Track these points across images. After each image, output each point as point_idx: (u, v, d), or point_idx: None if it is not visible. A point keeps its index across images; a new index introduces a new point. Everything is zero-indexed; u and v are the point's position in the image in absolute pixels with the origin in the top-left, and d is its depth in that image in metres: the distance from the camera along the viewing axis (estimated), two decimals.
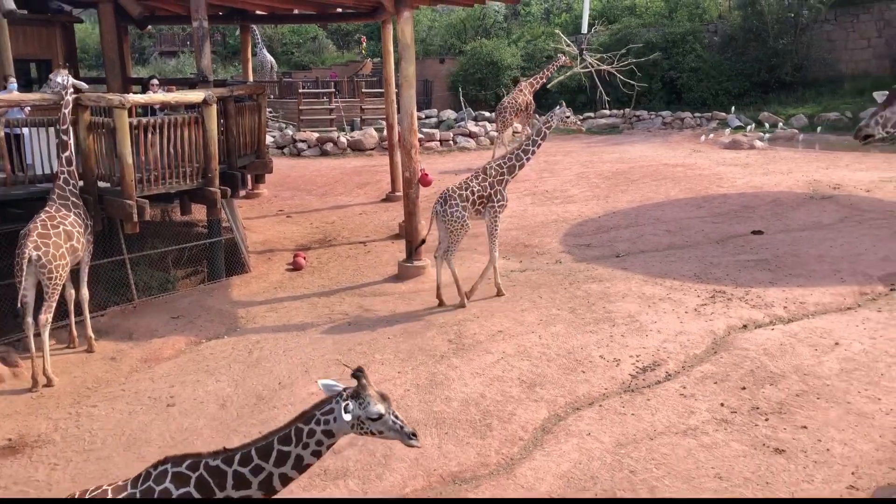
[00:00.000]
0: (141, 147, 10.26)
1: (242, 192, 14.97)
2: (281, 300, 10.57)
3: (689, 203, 13.98)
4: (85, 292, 9.26)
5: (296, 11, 17.02)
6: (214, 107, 10.94)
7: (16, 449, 7.01)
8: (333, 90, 26.51)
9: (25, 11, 12.73)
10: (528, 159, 9.83)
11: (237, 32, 25.55)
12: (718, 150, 19.92)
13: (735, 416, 6.57)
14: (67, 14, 15.26)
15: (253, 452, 3.77)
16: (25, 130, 10.35)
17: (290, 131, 23.38)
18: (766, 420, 6.48)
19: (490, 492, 5.83)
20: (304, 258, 12.26)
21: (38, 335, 8.37)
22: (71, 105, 9.53)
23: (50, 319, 8.34)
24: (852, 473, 5.68)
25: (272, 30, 35.60)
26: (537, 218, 13.97)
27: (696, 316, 8.66)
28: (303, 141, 22.64)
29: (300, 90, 26.00)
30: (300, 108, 24.80)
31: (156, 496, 3.71)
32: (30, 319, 8.37)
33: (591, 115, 26.04)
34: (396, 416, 3.86)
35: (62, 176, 9.06)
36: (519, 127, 20.05)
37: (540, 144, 9.80)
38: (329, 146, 22.48)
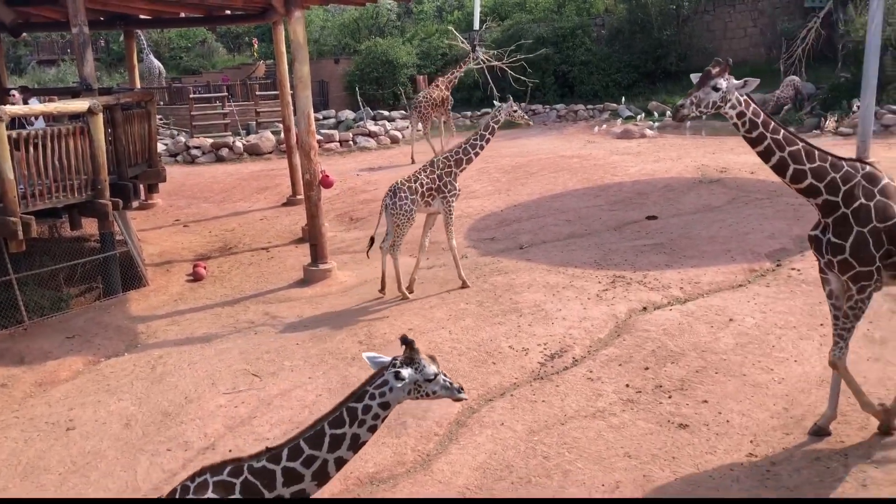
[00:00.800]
0: (23, 161, 9.74)
1: (135, 203, 14.40)
2: (182, 312, 10.25)
3: (587, 193, 14.37)
4: None
5: (182, 15, 16.50)
6: (100, 116, 10.49)
7: None
8: (226, 94, 25.84)
9: None
10: (475, 153, 9.91)
11: (121, 38, 24.57)
12: (611, 140, 20.55)
13: (640, 396, 6.80)
14: None
15: (302, 444, 3.68)
16: None
17: (182, 138, 22.64)
18: (670, 397, 6.74)
19: (408, 490, 5.83)
20: (205, 268, 11.93)
21: None
22: None
23: None
24: (751, 441, 5.99)
25: (158, 34, 34.42)
26: None
27: (598, 301, 8.91)
28: (197, 147, 21.98)
29: (191, 95, 25.24)
30: (192, 113, 24.06)
31: None
32: None
33: (488, 110, 26.35)
34: (445, 375, 3.88)
35: None
36: (440, 121, 20.29)
37: (488, 139, 9.90)
38: (225, 152, 21.93)
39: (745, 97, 5.38)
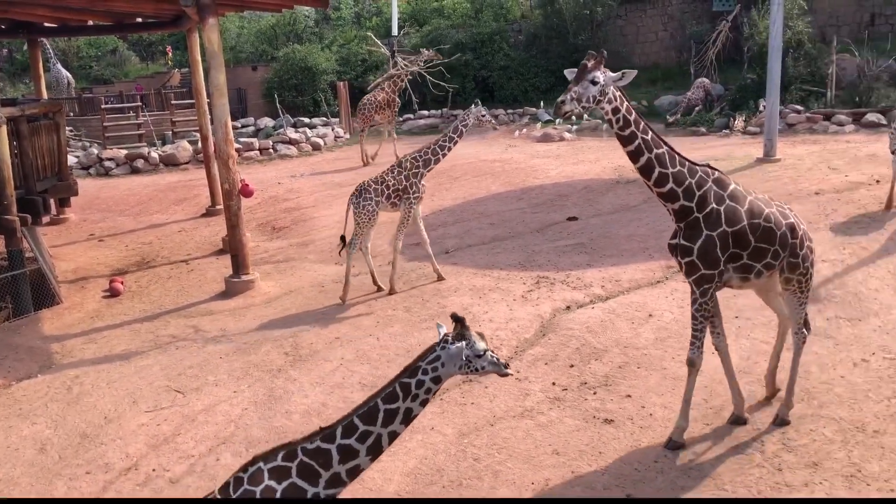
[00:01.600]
0: None
1: (46, 219, 13.81)
2: (100, 330, 9.89)
3: (509, 196, 14.55)
4: None
5: (90, 23, 15.95)
6: (4, 128, 10.06)
7: None
8: (140, 104, 25.12)
9: None
10: (443, 155, 9.95)
11: (25, 47, 23.59)
12: (532, 143, 20.86)
13: (566, 394, 6.92)
14: None
15: (356, 420, 3.77)
16: None
17: (95, 150, 21.86)
18: (595, 393, 6.88)
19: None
20: (122, 283, 11.55)
21: None
22: None
23: None
24: None
25: (66, 43, 33.17)
26: None
27: (523, 302, 9.03)
28: (110, 159, 21.28)
29: (103, 106, 24.42)
30: (104, 124, 23.26)
31: (258, 496, 3.61)
32: None
33: (411, 116, 26.40)
34: (492, 352, 4.00)
35: None
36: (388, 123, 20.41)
37: (456, 141, 9.94)
38: (140, 163, 21.29)
39: (620, 92, 5.30)
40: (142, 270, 12.49)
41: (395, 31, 28.57)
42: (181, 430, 6.92)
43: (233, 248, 10.93)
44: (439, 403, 6.94)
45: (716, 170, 5.65)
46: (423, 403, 3.90)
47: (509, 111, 25.88)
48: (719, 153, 16.73)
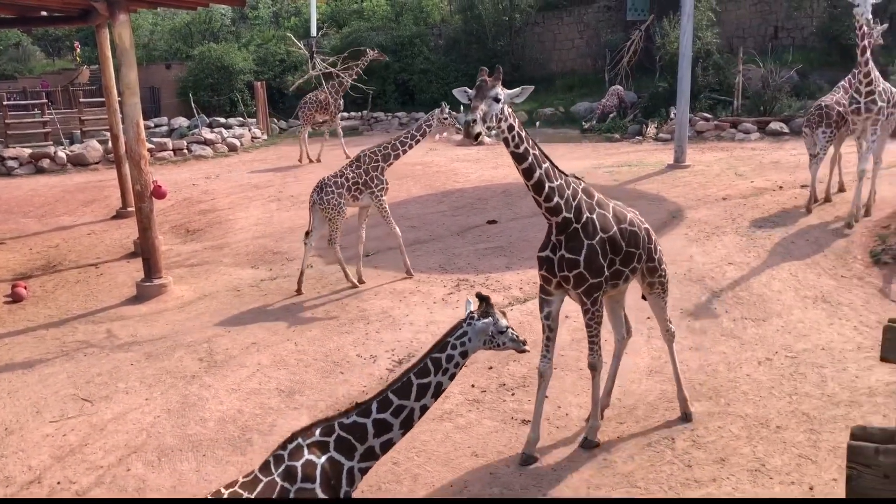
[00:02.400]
0: None
1: None
2: (0, 337, 9.43)
3: (430, 199, 14.60)
4: None
5: None
6: None
7: None
8: (46, 101, 24.10)
9: None
10: (404, 151, 10.03)
11: None
12: (452, 147, 20.98)
13: (485, 395, 6.99)
14: None
15: (390, 395, 3.99)
16: None
17: None
18: (513, 395, 6.97)
19: None
20: (26, 288, 11.04)
21: None
22: None
23: None
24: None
25: None
26: (285, 224, 13.79)
27: (444, 305, 9.08)
28: (13, 158, 20.33)
29: (5, 102, 23.32)
30: (6, 122, 22.23)
31: (299, 471, 3.75)
32: None
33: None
34: (513, 329, 4.29)
35: None
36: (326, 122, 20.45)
37: (419, 139, 10.09)
38: (46, 163, 20.43)
39: (510, 108, 5.17)
40: (47, 274, 11.97)
41: (313, 32, 28.31)
42: (89, 440, 6.66)
43: (145, 251, 10.59)
44: None
45: (580, 179, 5.73)
46: (452, 377, 4.16)
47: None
48: (632, 159, 17.23)
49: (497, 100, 5.03)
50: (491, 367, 7.46)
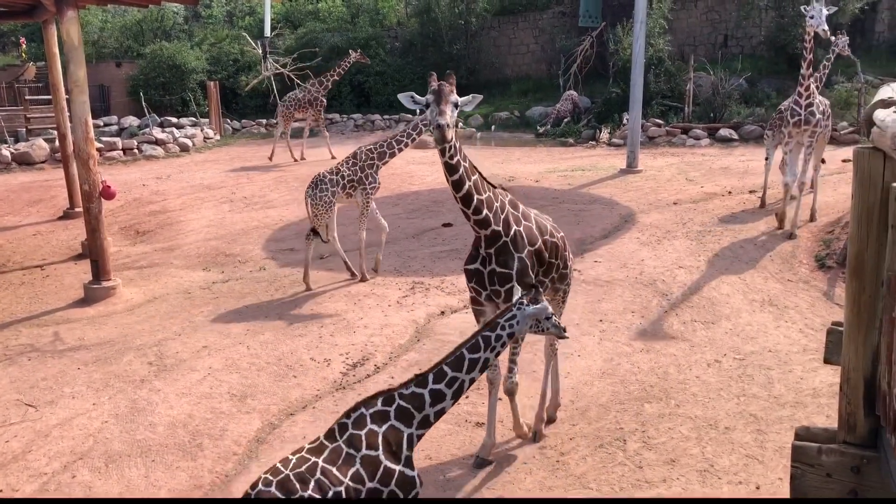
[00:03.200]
0: None
1: None
2: None
3: (386, 201, 14.55)
4: None
5: None
6: None
7: None
8: None
9: None
10: (399, 149, 10.07)
11: None
12: (406, 149, 20.91)
13: None
14: None
15: (445, 367, 4.27)
16: None
17: None
18: (467, 397, 6.97)
19: None
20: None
21: None
22: None
23: None
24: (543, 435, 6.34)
25: None
26: (237, 225, 13.62)
27: (398, 308, 9.05)
28: None
29: None
30: None
31: (363, 439, 3.99)
32: None
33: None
34: (556, 316, 4.65)
35: None
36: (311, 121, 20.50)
37: (415, 138, 10.10)
38: None
39: None
40: None
41: (267, 32, 28.04)
42: (33, 447, 6.48)
43: (93, 252, 10.35)
44: (311, 412, 6.86)
45: (506, 190, 5.69)
46: (497, 355, 4.46)
47: (385, 117, 25.94)
48: (586, 163, 17.44)
49: (456, 105, 4.96)
50: None
